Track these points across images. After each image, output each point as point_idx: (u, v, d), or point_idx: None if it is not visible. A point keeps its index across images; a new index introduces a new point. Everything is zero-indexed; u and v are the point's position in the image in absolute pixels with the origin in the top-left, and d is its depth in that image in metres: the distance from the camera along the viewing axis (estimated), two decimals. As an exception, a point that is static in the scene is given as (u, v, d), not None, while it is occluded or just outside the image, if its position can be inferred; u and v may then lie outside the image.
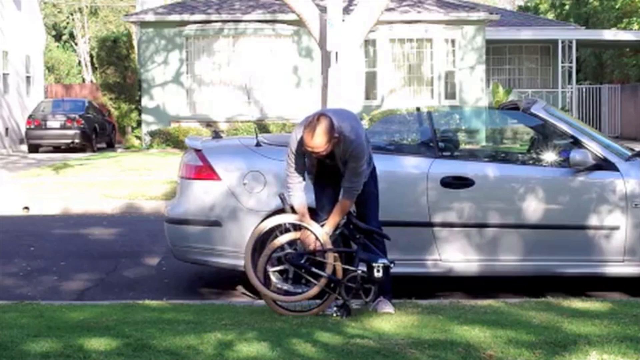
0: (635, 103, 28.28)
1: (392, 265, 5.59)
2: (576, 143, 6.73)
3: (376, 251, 5.69)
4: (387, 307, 5.74)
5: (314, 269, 5.61)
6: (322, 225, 5.65)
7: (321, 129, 5.32)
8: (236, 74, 23.81)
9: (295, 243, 5.77)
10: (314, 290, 5.62)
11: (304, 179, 5.70)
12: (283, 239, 5.74)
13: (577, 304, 6.00)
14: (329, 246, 5.61)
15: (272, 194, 6.49)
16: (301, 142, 5.47)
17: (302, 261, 5.64)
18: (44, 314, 5.65)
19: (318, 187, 5.83)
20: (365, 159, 5.58)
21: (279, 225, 5.80)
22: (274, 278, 5.92)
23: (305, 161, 5.67)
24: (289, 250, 5.76)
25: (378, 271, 5.51)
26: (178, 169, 7.13)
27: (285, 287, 5.92)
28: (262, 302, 5.96)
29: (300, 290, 5.78)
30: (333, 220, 5.64)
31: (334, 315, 5.57)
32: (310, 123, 5.36)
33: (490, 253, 6.64)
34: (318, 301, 5.70)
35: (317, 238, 5.61)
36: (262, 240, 5.88)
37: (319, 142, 5.34)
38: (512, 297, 6.46)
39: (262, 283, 5.71)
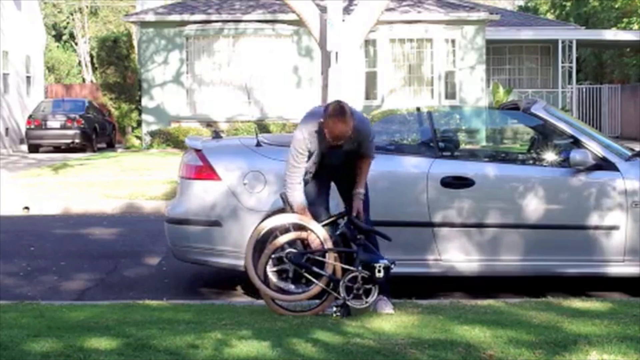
0: (635, 103, 28.27)
1: (392, 265, 5.59)
2: (576, 143, 6.73)
3: (376, 252, 5.70)
4: (387, 307, 5.74)
5: (314, 269, 5.61)
6: (321, 224, 5.68)
7: (348, 115, 5.42)
8: (236, 74, 23.81)
9: (296, 243, 5.77)
10: (315, 290, 5.62)
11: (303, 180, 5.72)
12: (283, 238, 5.74)
13: (577, 304, 6.00)
14: (330, 245, 5.62)
15: (273, 193, 6.49)
16: (321, 134, 5.51)
17: (303, 260, 5.65)
18: (44, 314, 5.65)
19: (312, 184, 5.86)
20: (372, 136, 5.76)
21: (280, 225, 5.81)
22: (274, 278, 5.92)
23: (309, 158, 5.70)
24: (289, 250, 5.76)
25: (379, 272, 5.52)
26: (178, 169, 7.13)
27: (286, 286, 5.91)
28: (262, 302, 5.96)
29: (300, 290, 5.78)
30: (363, 180, 5.79)
31: (334, 315, 5.57)
32: (340, 111, 5.41)
33: (490, 253, 6.64)
34: (318, 301, 5.70)
35: (317, 237, 5.62)
36: (262, 240, 5.88)
37: (348, 128, 5.42)
38: (512, 297, 6.46)
39: (262, 282, 5.72)
